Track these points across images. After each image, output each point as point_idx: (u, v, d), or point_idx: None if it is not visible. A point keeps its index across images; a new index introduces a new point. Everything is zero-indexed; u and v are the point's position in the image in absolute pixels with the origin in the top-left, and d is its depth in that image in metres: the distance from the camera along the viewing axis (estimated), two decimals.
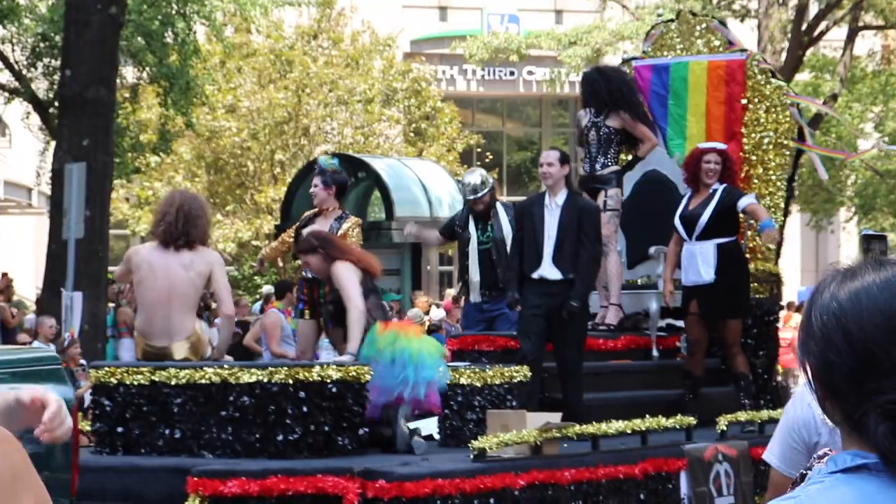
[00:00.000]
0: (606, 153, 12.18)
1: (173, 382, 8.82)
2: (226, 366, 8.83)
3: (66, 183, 16.06)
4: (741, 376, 11.66)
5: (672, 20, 13.65)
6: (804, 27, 31.24)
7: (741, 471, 10.70)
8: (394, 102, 33.27)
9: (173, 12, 23.53)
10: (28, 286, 27.25)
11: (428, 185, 22.07)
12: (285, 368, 8.68)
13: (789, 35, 31.36)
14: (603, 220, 12.12)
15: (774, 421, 11.53)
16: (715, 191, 11.56)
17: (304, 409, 8.64)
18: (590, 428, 9.64)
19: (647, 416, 10.52)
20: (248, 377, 8.66)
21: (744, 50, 13.36)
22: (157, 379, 8.87)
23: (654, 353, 12.34)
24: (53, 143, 20.70)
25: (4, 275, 22.11)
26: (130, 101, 25.18)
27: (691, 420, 10.58)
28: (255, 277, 28.84)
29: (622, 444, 10.16)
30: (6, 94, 24.79)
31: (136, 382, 8.88)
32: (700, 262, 11.45)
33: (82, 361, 15.30)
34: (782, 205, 13.05)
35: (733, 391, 11.71)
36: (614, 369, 11.95)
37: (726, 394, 11.87)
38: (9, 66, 23.83)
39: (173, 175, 31.37)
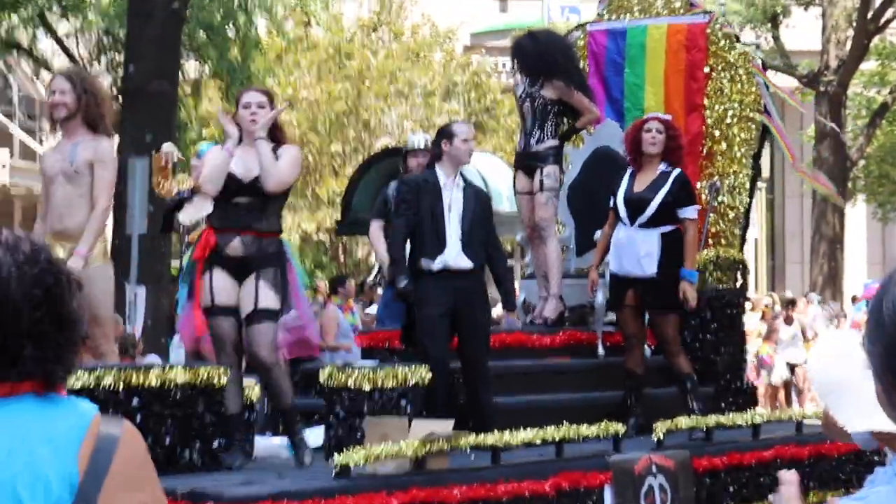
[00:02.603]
0: (543, 126, 10.90)
1: None
2: None
3: (129, 178, 15.89)
4: (686, 377, 10.36)
5: None
6: (870, 15, 30.12)
7: (680, 485, 9.42)
8: (454, 95, 32.95)
9: (235, 6, 23.68)
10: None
11: (488, 178, 21.06)
12: (115, 370, 7.47)
13: (854, 23, 30.40)
14: (540, 200, 10.89)
15: (724, 427, 10.27)
16: (665, 174, 10.20)
17: (139, 418, 7.44)
18: (488, 438, 8.37)
19: (589, 420, 9.29)
20: (72, 382, 7.46)
21: (706, 12, 12.06)
22: None
23: (600, 350, 11.07)
24: (116, 138, 21.33)
25: None
26: (192, 95, 25.36)
27: (618, 427, 9.28)
28: (317, 271, 28.43)
29: (542, 455, 8.89)
30: None
31: None
32: (641, 252, 10.15)
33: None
34: (747, 184, 11.74)
35: (678, 394, 10.42)
36: (550, 368, 10.67)
37: (677, 395, 10.59)
38: (73, 60, 23.93)
39: None
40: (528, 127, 10.96)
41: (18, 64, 27.60)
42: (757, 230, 40.41)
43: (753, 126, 11.68)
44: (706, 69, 11.73)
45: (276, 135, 8.21)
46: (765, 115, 11.58)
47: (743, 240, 11.85)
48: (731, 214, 11.73)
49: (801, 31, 31.85)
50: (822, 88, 30.83)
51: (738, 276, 11.72)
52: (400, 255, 9.46)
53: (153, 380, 7.47)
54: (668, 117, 10.47)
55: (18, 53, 24.87)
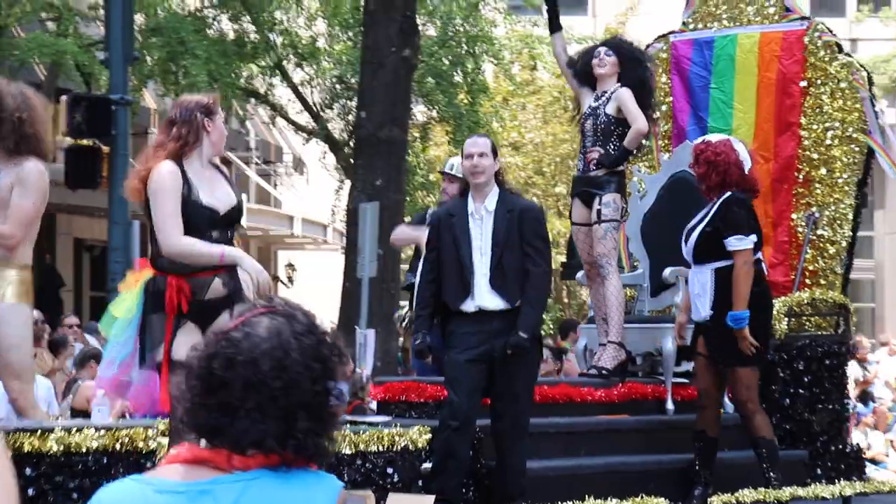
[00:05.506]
0: (604, 148, 9.48)
1: None
2: None
3: (360, 222, 16.01)
4: (761, 442, 8.79)
5: None
6: None
7: None
8: None
9: (463, 53, 24.23)
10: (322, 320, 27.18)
11: None
12: (3, 434, 6.30)
13: None
14: (598, 233, 9.46)
15: (803, 500, 8.70)
16: (716, 202, 8.73)
17: (31, 491, 6.27)
18: None
19: (648, 489, 7.89)
20: None
21: (804, 18, 10.50)
22: None
23: (669, 405, 9.60)
24: (348, 182, 21.66)
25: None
26: (421, 139, 25.84)
27: (659, 502, 7.80)
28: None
29: None
30: (305, 135, 26.01)
31: None
32: (694, 291, 8.69)
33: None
34: (851, 216, 10.13)
35: (756, 461, 8.86)
36: (603, 427, 9.21)
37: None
38: (307, 107, 24.78)
39: None
40: (587, 148, 9.56)
41: (256, 111, 28.30)
42: None
43: (857, 148, 10.09)
44: (803, 83, 10.18)
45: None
46: (868, 136, 9.98)
47: (846, 280, 10.25)
48: (832, 250, 10.16)
49: None
50: None
51: (840, 321, 10.14)
52: (421, 307, 8.16)
53: (53, 445, 6.27)
54: (718, 137, 8.91)
55: (256, 101, 25.51)
